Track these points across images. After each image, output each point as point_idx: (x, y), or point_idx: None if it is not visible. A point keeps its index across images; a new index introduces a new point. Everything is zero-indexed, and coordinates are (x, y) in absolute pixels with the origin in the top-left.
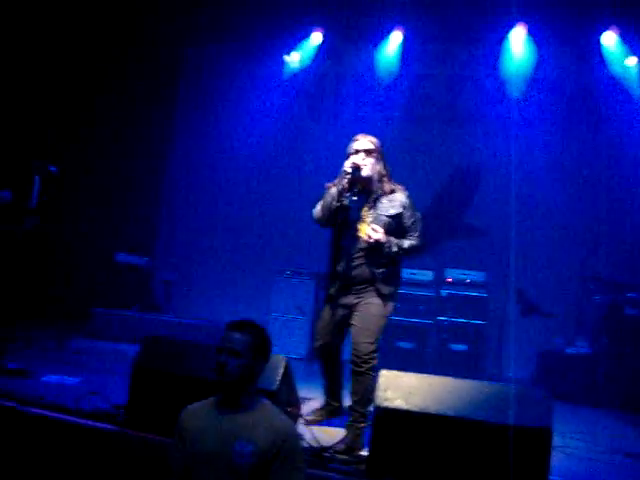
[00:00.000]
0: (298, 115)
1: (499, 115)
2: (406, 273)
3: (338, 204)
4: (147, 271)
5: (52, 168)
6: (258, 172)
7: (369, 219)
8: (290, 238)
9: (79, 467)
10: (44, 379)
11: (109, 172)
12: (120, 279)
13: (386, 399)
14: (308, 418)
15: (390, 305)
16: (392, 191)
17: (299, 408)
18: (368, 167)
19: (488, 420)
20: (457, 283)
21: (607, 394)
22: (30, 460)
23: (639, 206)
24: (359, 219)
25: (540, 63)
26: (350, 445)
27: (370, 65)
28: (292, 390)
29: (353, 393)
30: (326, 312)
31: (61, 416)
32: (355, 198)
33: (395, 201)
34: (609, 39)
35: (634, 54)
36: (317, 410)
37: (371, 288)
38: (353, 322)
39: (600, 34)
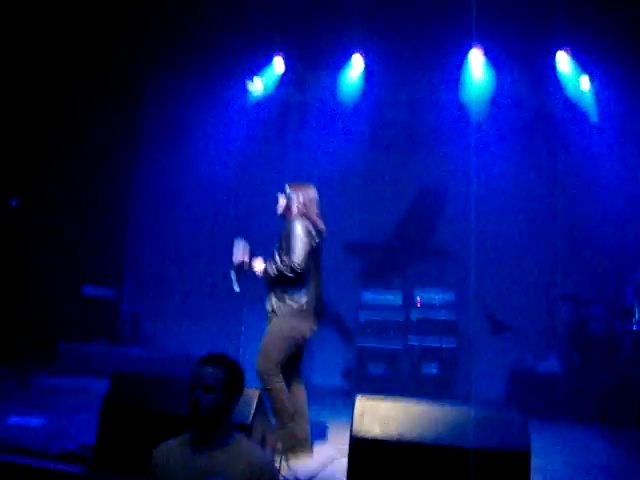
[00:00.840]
0: (263, 140)
1: (460, 138)
2: (375, 298)
3: None
4: (114, 303)
5: (13, 202)
6: (225, 198)
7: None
8: None
9: None
10: (7, 421)
11: (73, 203)
12: (87, 311)
13: (362, 427)
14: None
15: (288, 322)
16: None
17: (275, 440)
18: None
19: (466, 446)
20: (427, 306)
21: (580, 410)
22: None
23: (597, 225)
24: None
25: (499, 86)
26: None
27: (332, 91)
28: (267, 422)
29: None
30: None
31: (27, 460)
32: None
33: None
34: (562, 59)
35: (586, 72)
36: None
37: (273, 313)
38: None
39: (554, 55)
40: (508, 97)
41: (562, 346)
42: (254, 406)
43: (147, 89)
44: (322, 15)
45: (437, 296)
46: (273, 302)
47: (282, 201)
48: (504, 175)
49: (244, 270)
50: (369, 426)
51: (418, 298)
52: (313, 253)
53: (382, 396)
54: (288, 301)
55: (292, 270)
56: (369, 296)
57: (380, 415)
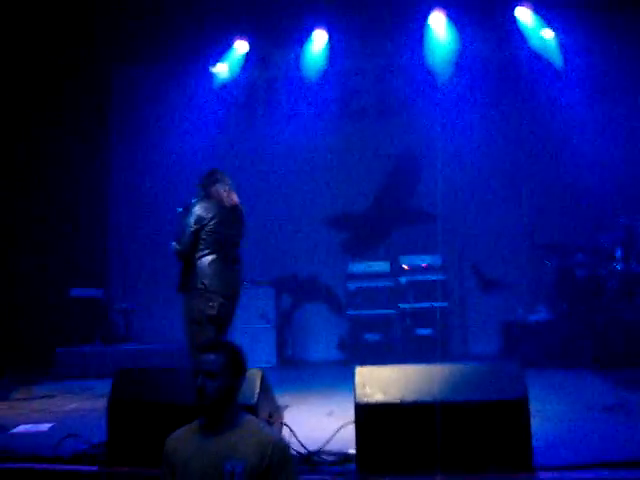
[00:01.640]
0: (234, 123)
1: (430, 101)
2: (363, 266)
3: None
4: (104, 302)
5: None
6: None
7: None
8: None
9: None
10: (14, 431)
11: (50, 205)
12: (77, 314)
13: (365, 395)
14: None
15: (189, 303)
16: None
17: (281, 417)
18: None
19: (466, 400)
20: (414, 269)
21: (573, 355)
22: None
23: (572, 173)
24: None
25: (463, 45)
26: None
27: (298, 66)
28: (271, 400)
29: None
30: None
31: (41, 466)
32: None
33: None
34: (523, 13)
35: (548, 26)
36: None
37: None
38: None
39: (514, 9)
40: (473, 55)
41: (550, 295)
42: (258, 386)
43: (114, 83)
44: None
45: (424, 260)
46: (180, 281)
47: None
48: (476, 134)
49: None
50: (371, 393)
51: (405, 265)
52: (212, 233)
53: (379, 365)
54: (184, 279)
55: (175, 253)
56: (356, 266)
57: (380, 382)
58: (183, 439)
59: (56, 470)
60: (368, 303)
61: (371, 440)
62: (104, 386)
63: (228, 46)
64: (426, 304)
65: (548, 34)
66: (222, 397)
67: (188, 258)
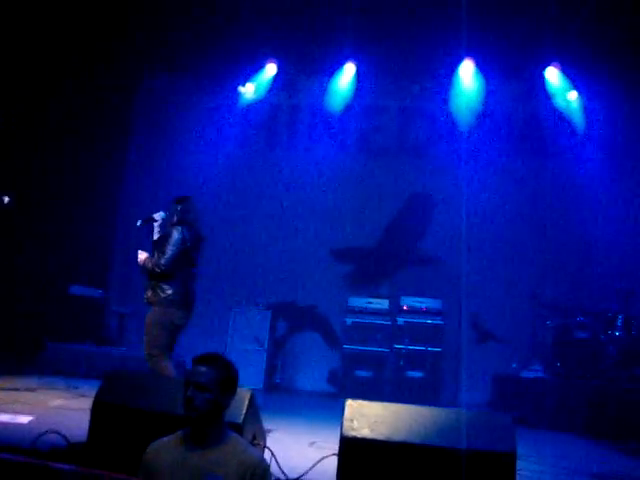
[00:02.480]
0: (254, 145)
1: (450, 147)
2: (362, 302)
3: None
4: (101, 303)
5: (5, 197)
6: (213, 204)
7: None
8: (246, 269)
9: None
10: None
11: (62, 203)
12: (74, 311)
13: (352, 429)
14: None
15: (158, 310)
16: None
17: (264, 440)
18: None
19: (454, 447)
20: (413, 311)
21: (565, 418)
22: None
23: (582, 235)
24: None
25: (488, 97)
26: None
27: (323, 97)
28: (257, 422)
29: None
30: None
31: (15, 457)
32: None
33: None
34: (552, 74)
35: (575, 88)
36: None
37: (148, 301)
38: None
39: (544, 69)
40: (497, 108)
41: (547, 354)
42: (245, 406)
43: (138, 93)
44: (316, 22)
45: (424, 303)
46: (148, 292)
47: (157, 216)
48: (492, 185)
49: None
50: (359, 427)
51: (405, 306)
52: (187, 254)
53: (370, 401)
54: (159, 292)
55: (159, 268)
56: (356, 301)
57: (369, 418)
58: (165, 449)
59: (32, 464)
60: (363, 339)
61: (353, 475)
62: (90, 386)
63: (259, 67)
64: (421, 347)
65: (573, 95)
66: (210, 411)
67: (169, 273)
